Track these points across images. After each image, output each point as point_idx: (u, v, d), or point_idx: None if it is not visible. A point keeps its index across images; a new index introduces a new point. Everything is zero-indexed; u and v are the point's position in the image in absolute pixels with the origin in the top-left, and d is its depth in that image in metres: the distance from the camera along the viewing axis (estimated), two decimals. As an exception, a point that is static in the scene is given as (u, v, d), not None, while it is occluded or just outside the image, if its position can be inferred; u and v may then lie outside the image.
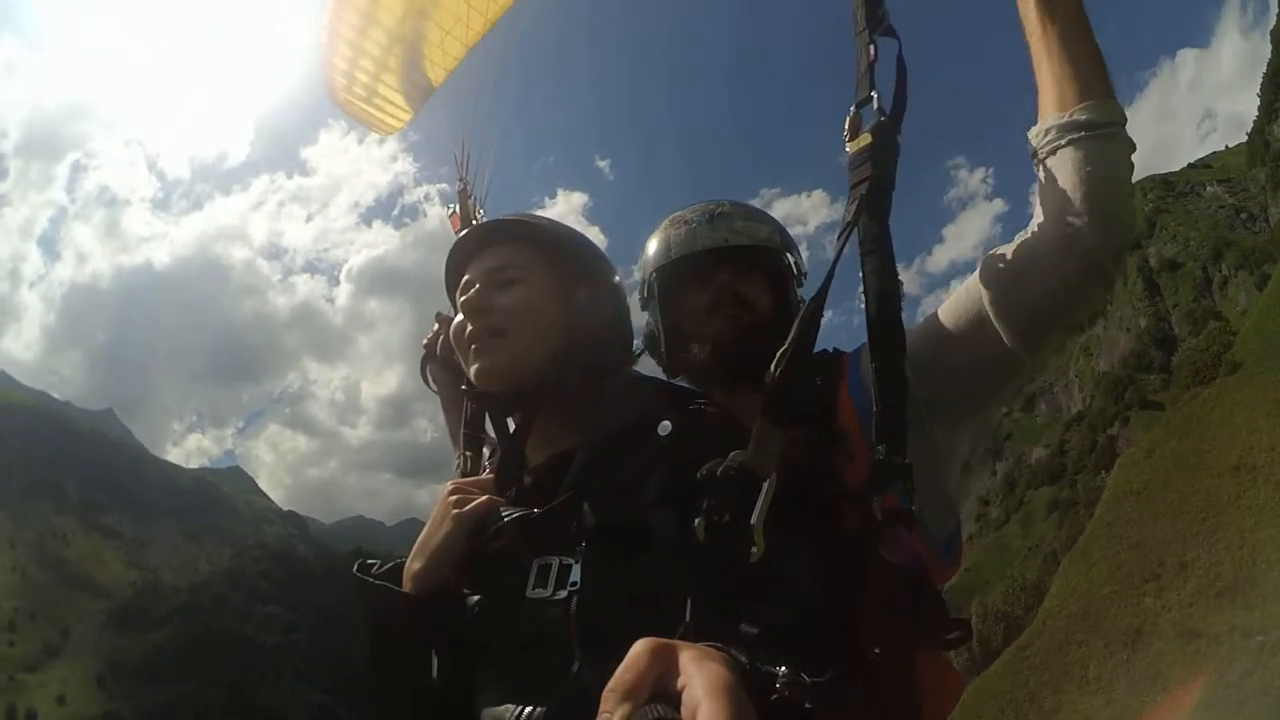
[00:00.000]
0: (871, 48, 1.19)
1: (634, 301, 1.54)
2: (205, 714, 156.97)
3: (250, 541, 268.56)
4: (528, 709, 0.95)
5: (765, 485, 0.92)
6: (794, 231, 1.60)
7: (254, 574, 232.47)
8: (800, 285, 1.56)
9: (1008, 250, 1.22)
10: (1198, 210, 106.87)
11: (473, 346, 1.20)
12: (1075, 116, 1.17)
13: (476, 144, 2.04)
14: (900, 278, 1.18)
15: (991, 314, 1.21)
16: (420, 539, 1.15)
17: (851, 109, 1.20)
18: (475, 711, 1.03)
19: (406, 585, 1.12)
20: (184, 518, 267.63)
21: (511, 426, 1.23)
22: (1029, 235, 1.21)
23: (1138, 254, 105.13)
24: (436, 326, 1.74)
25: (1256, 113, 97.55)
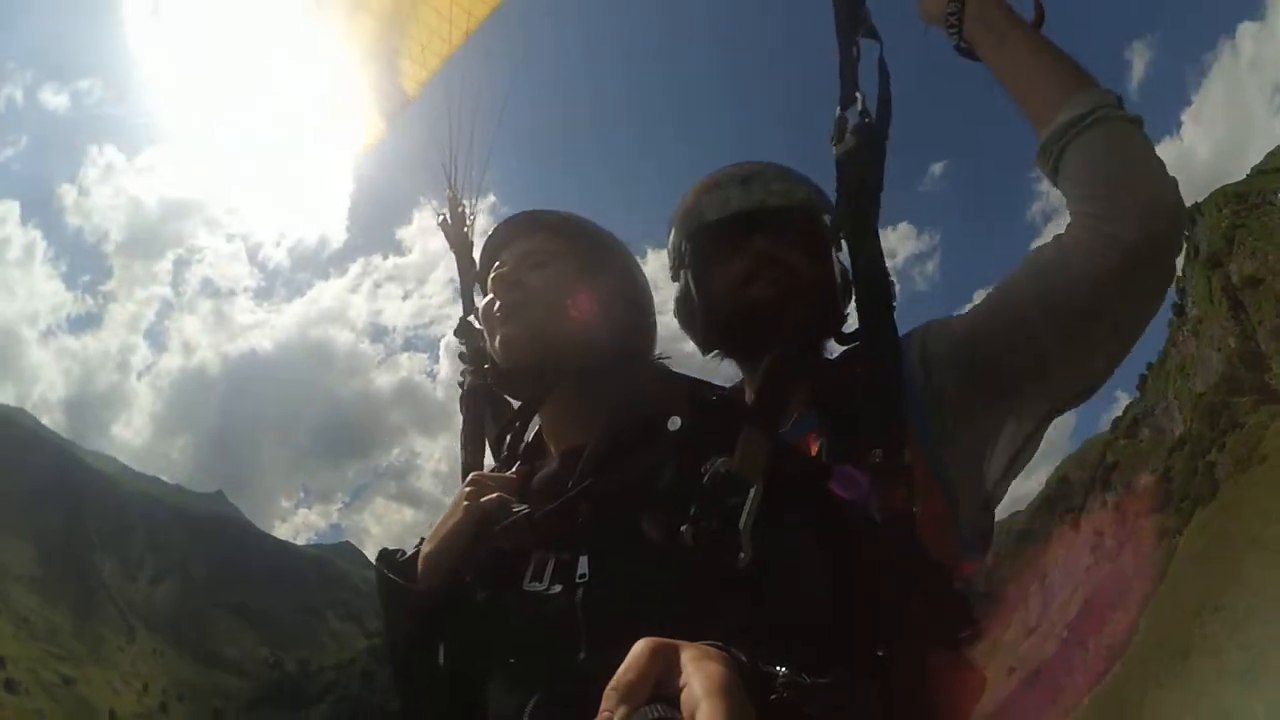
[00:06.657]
0: (853, 48, 1.27)
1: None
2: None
3: (372, 615, 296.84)
4: (531, 700, 1.01)
5: (752, 491, 0.96)
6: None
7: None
8: (839, 249, 1.51)
9: (1049, 247, 1.26)
10: (1272, 223, 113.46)
11: (498, 317, 1.29)
12: (1062, 118, 1.23)
13: (466, 156, 2.14)
14: (891, 277, 1.26)
15: (1033, 311, 1.25)
16: (436, 523, 1.27)
17: (836, 111, 1.29)
18: (483, 700, 1.12)
19: (420, 566, 1.23)
20: (305, 593, 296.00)
21: (525, 417, 1.35)
22: (1067, 234, 1.24)
23: (1220, 272, 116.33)
24: None
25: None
